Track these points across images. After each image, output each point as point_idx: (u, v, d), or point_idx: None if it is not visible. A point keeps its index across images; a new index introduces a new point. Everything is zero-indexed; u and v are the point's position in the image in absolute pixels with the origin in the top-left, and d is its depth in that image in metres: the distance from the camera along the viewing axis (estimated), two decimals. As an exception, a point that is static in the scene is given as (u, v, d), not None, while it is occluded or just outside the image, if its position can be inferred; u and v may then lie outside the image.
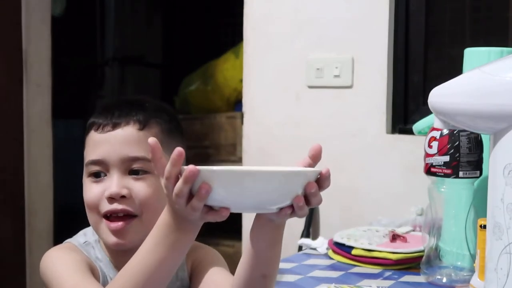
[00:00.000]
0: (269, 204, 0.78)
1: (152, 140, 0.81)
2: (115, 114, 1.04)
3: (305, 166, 0.83)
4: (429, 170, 1.29)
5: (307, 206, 0.79)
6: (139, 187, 1.02)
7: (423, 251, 1.37)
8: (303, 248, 1.65)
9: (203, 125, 3.18)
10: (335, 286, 1.27)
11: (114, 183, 1.01)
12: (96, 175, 1.03)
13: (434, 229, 1.33)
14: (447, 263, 1.33)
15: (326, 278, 1.36)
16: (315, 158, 0.83)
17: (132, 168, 1.02)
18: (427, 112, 1.35)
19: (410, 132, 1.85)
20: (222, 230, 2.85)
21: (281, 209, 0.79)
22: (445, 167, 1.27)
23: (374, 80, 2.07)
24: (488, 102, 0.90)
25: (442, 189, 1.30)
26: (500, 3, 2.02)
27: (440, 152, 1.26)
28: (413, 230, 1.61)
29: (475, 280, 1.16)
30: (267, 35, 2.27)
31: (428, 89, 1.02)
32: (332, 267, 1.45)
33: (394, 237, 1.51)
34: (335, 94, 2.14)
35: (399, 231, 1.56)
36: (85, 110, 3.36)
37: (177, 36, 4.17)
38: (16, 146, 2.75)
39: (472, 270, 1.26)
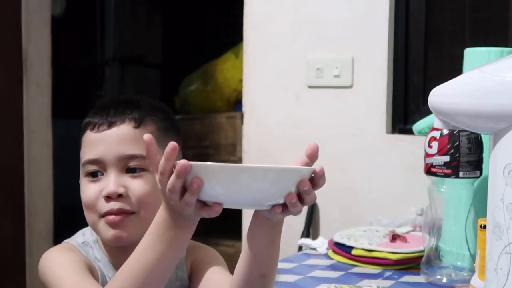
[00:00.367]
0: (261, 200, 0.78)
1: (147, 136, 0.82)
2: (111, 113, 1.05)
3: (302, 165, 0.83)
4: (429, 170, 1.29)
5: (301, 204, 0.79)
6: (136, 185, 1.02)
7: (423, 251, 1.37)
8: (303, 248, 1.65)
9: (203, 125, 3.18)
10: (335, 286, 1.27)
11: (111, 182, 1.01)
12: (93, 175, 1.04)
13: (434, 229, 1.33)
14: (447, 263, 1.33)
15: (326, 278, 1.36)
16: (312, 157, 0.83)
17: (129, 166, 1.02)
18: (427, 112, 1.36)
19: (410, 132, 1.86)
20: (222, 230, 2.85)
21: (274, 206, 0.79)
22: (445, 167, 1.27)
23: (374, 80, 2.07)
24: (488, 102, 0.90)
25: (442, 189, 1.30)
26: (500, 3, 2.02)
27: (440, 152, 1.26)
28: (413, 230, 1.61)
29: (475, 280, 1.16)
30: (267, 35, 2.27)
31: (428, 89, 1.02)
32: (332, 267, 1.45)
33: (394, 237, 1.51)
34: (335, 94, 2.14)
35: (399, 231, 1.56)
36: (85, 110, 3.34)
37: (177, 36, 4.16)
38: (16, 146, 2.74)
39: (472, 270, 1.26)
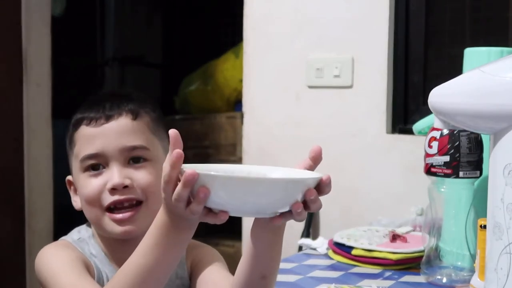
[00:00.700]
0: (267, 210, 0.78)
1: (173, 132, 0.79)
2: (107, 107, 1.05)
3: (306, 168, 0.83)
4: (429, 170, 1.29)
5: (306, 211, 0.78)
6: (141, 176, 1.03)
7: (423, 251, 1.37)
8: (303, 248, 1.64)
9: (203, 125, 3.18)
10: (335, 286, 1.27)
11: (115, 174, 1.02)
12: (94, 169, 1.04)
13: (434, 229, 1.33)
14: (447, 263, 1.33)
15: (326, 278, 1.36)
16: (316, 160, 0.83)
17: (132, 157, 1.03)
18: (427, 112, 1.35)
19: (410, 132, 1.86)
20: (222, 230, 2.85)
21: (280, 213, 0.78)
22: (445, 167, 1.27)
23: (374, 80, 2.07)
24: (488, 102, 0.90)
25: (442, 189, 1.30)
26: (500, 3, 2.02)
27: (440, 152, 1.26)
28: (413, 230, 1.61)
29: (475, 280, 1.16)
30: (267, 35, 2.27)
31: (428, 89, 1.02)
32: (332, 267, 1.45)
33: (394, 237, 1.51)
34: (335, 94, 2.14)
35: (399, 231, 1.56)
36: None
37: (177, 36, 4.16)
38: (16, 146, 2.75)
39: (472, 270, 1.26)
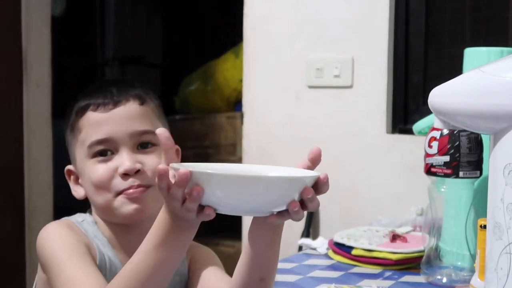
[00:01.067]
0: (263, 208, 0.77)
1: (160, 130, 0.80)
2: (114, 92, 1.06)
3: (304, 169, 0.83)
4: (429, 170, 1.29)
5: (303, 210, 0.78)
6: (151, 160, 1.03)
7: (423, 251, 1.37)
8: (303, 248, 1.64)
9: (203, 125, 3.18)
10: (335, 286, 1.27)
11: (126, 159, 1.02)
12: (102, 154, 1.03)
13: (434, 229, 1.33)
14: (447, 263, 1.33)
15: (326, 278, 1.36)
16: (314, 161, 0.82)
17: (141, 141, 1.04)
18: (427, 112, 1.35)
19: (410, 132, 1.86)
20: (222, 230, 2.85)
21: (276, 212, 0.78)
22: (445, 167, 1.27)
23: (374, 80, 2.07)
24: (488, 102, 0.90)
25: (442, 189, 1.30)
26: (500, 3, 2.02)
27: (440, 152, 1.26)
28: (413, 230, 1.61)
29: (475, 280, 1.16)
30: (267, 35, 2.27)
31: (428, 89, 1.02)
32: (332, 267, 1.45)
33: (394, 237, 1.51)
34: (335, 94, 2.14)
35: (399, 231, 1.56)
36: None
37: (177, 36, 4.17)
38: (16, 146, 2.75)
39: (472, 270, 1.26)
